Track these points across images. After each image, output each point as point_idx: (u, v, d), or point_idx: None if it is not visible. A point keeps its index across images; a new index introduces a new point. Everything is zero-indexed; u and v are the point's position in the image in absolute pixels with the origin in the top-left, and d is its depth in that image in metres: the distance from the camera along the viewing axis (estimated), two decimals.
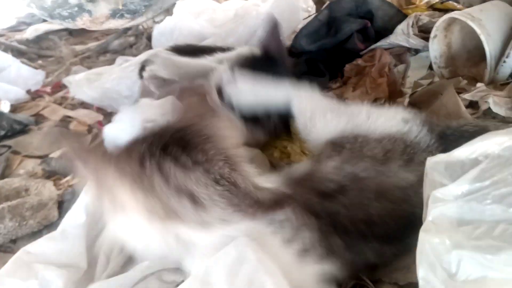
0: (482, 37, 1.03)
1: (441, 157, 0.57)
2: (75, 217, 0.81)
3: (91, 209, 0.83)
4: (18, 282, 0.70)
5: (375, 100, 1.24)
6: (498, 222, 0.48)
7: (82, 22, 1.04)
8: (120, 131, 0.94)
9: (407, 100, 1.12)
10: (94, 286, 0.69)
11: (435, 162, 0.57)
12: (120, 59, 1.72)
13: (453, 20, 1.14)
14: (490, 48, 1.04)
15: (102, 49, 2.03)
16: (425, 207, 0.59)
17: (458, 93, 1.03)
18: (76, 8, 1.00)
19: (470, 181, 0.51)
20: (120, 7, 1.00)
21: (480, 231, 0.48)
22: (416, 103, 1.09)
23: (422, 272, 0.48)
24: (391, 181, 0.67)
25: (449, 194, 0.52)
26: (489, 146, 0.53)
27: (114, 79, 1.41)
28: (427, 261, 0.48)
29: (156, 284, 0.71)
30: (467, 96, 1.03)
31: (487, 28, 1.04)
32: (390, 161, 0.69)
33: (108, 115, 1.41)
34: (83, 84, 1.48)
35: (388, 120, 0.81)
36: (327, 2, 1.67)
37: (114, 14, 1.02)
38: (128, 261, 0.78)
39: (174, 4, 1.20)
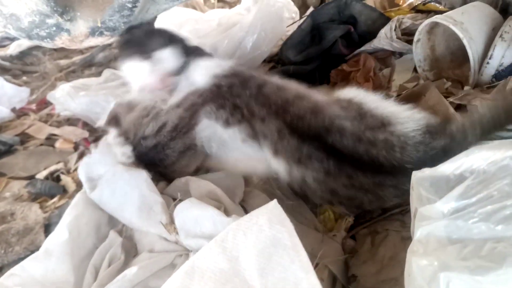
0: (465, 41, 1.02)
1: (426, 172, 0.57)
2: (58, 235, 0.80)
3: (76, 228, 0.82)
4: None
5: None
6: (485, 241, 0.47)
7: (61, 41, 1.02)
8: (94, 164, 0.94)
9: None
10: None
11: (420, 178, 0.57)
12: (107, 72, 1.71)
13: (436, 24, 1.14)
14: (473, 51, 1.04)
15: (87, 63, 2.01)
16: (413, 218, 0.59)
17: (446, 97, 1.03)
18: (54, 28, 0.98)
19: (456, 198, 0.51)
20: (99, 24, 0.98)
21: (468, 250, 0.47)
22: None
23: None
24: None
25: (435, 212, 0.52)
26: (475, 161, 0.53)
27: (104, 94, 1.41)
28: (415, 283, 0.48)
29: None
30: (455, 100, 1.03)
31: (469, 32, 1.03)
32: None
33: (93, 132, 1.40)
34: (70, 93, 1.48)
35: None
36: (310, 8, 1.67)
37: (93, 32, 1.00)
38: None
39: (155, 18, 1.18)
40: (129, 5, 0.98)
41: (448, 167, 0.55)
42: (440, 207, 0.51)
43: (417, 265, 0.48)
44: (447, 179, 0.54)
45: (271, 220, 0.51)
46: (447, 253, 0.48)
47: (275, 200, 0.52)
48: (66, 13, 0.98)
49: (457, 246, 0.48)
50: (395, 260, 0.76)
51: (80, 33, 1.02)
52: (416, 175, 0.58)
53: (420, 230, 0.51)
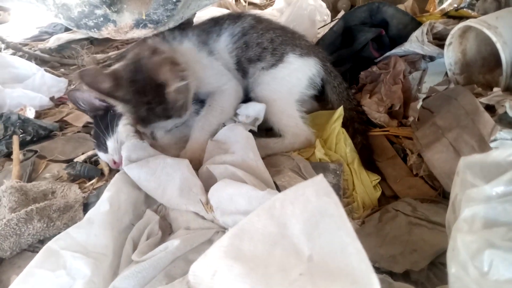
0: (498, 45, 1.04)
1: (477, 157, 0.57)
2: (99, 207, 0.86)
3: (116, 202, 0.87)
4: (47, 273, 0.73)
5: (391, 107, 1.26)
6: None
7: (107, 31, 1.08)
8: (134, 148, 1.00)
9: (420, 103, 1.14)
10: (130, 270, 0.72)
11: (470, 162, 0.57)
12: None
13: (469, 28, 1.15)
14: (506, 55, 1.05)
15: (123, 58, 2.08)
16: (451, 206, 0.60)
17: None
18: (101, 18, 1.04)
19: (505, 183, 0.51)
20: (144, 17, 1.04)
21: None
22: (429, 107, 1.11)
23: (453, 269, 0.49)
24: None
25: (483, 194, 0.52)
26: None
27: None
28: (458, 258, 0.49)
29: (183, 265, 0.74)
30: (484, 100, 1.04)
31: (503, 36, 1.05)
32: None
33: None
34: None
35: None
36: (341, 12, 1.70)
37: (138, 24, 1.06)
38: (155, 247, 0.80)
39: (194, 15, 1.24)
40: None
41: (500, 154, 0.55)
42: (488, 190, 0.52)
43: (462, 240, 0.49)
44: (497, 165, 0.54)
45: (318, 192, 0.52)
46: (492, 233, 0.48)
47: (321, 175, 0.54)
48: (114, 5, 1.04)
49: (503, 228, 0.49)
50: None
51: (125, 24, 1.07)
52: (465, 159, 0.57)
53: (466, 210, 0.52)
